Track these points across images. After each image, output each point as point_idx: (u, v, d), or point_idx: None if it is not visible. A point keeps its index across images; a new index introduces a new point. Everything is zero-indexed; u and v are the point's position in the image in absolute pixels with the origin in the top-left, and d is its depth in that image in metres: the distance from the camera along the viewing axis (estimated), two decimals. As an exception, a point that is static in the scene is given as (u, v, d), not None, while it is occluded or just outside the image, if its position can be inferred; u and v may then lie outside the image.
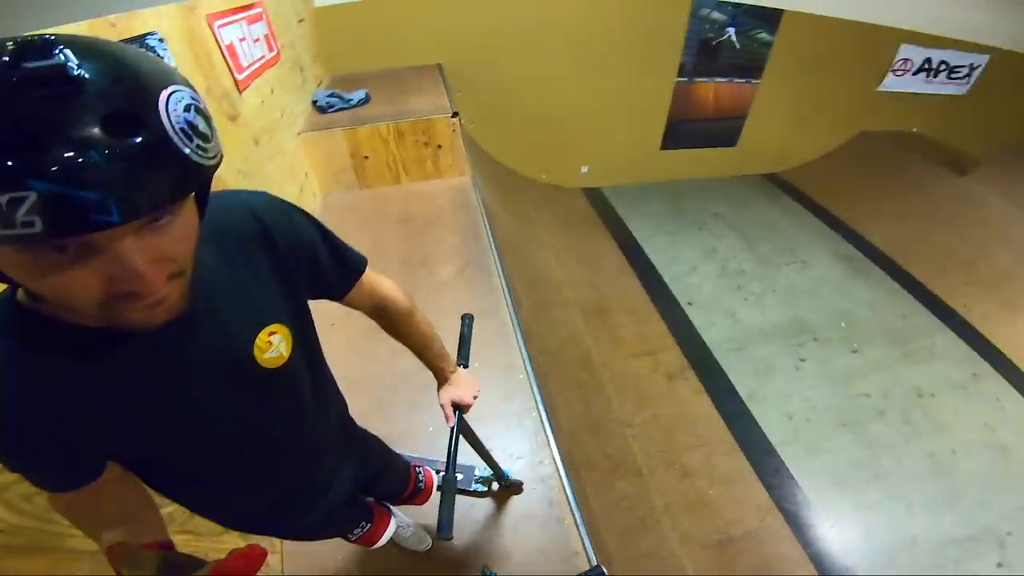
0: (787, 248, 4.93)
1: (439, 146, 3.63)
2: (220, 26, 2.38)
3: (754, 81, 5.47)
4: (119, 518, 0.76)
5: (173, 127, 0.46)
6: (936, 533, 2.76)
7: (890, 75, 5.54)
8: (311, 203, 3.42)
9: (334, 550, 1.84)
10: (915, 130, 6.07)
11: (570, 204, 5.57)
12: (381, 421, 2.24)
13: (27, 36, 0.43)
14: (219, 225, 0.72)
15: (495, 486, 2.05)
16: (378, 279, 1.05)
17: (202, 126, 0.50)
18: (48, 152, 0.40)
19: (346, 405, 1.21)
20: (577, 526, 1.98)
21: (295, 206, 0.86)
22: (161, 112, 0.46)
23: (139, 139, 0.44)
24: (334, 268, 0.93)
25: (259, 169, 2.63)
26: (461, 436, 1.31)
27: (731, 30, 5.05)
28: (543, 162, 5.65)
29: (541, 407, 2.34)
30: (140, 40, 1.74)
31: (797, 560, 2.61)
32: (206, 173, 0.51)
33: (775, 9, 4.96)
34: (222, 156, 0.55)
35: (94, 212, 0.41)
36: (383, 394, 2.35)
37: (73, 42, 0.44)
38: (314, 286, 0.90)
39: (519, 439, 2.25)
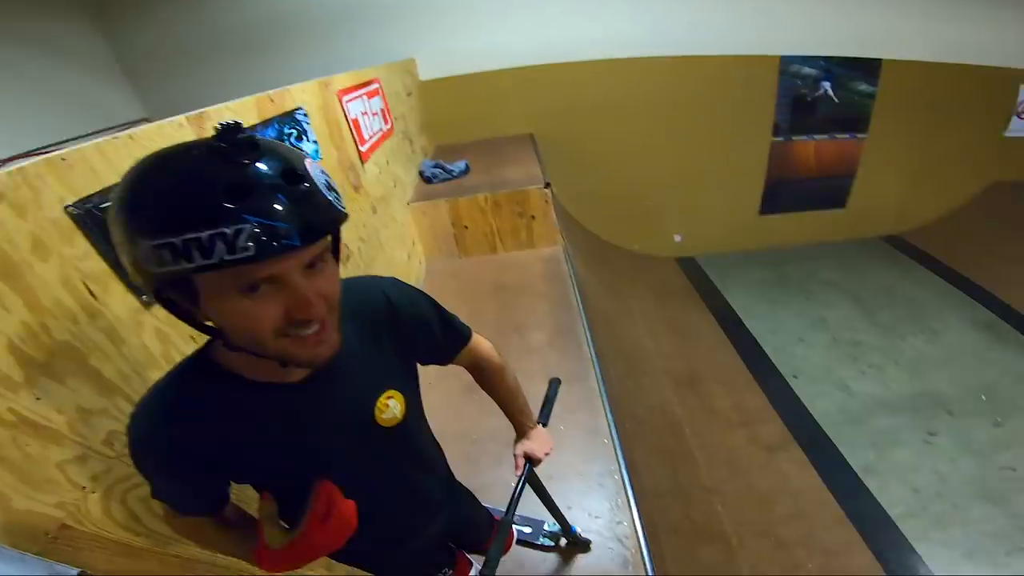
0: (912, 316, 4.41)
1: (533, 216, 3.72)
2: (348, 101, 2.59)
3: (860, 136, 5.16)
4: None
5: (319, 181, 0.63)
6: None
7: (1016, 119, 5.03)
8: (417, 270, 3.58)
9: None
10: None
11: (662, 274, 5.42)
12: (468, 473, 2.28)
13: (224, 121, 0.59)
14: (357, 304, 0.87)
15: (563, 542, 1.97)
16: (479, 340, 1.18)
17: (334, 184, 0.66)
18: (256, 195, 0.56)
19: (445, 461, 1.32)
20: None
21: (418, 290, 1.02)
22: (309, 171, 0.62)
23: (306, 186, 0.61)
24: (445, 339, 1.08)
25: (375, 236, 2.75)
26: (529, 488, 1.37)
27: (826, 84, 4.87)
28: (635, 231, 5.61)
29: (623, 469, 2.24)
30: (291, 114, 1.97)
31: None
32: (341, 220, 0.66)
33: (873, 59, 4.77)
34: (347, 213, 0.68)
35: (284, 238, 0.57)
36: (471, 449, 2.38)
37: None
38: (428, 354, 1.06)
39: (598, 499, 2.18)
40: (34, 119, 3.58)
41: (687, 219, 5.62)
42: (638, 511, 2.09)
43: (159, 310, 1.12)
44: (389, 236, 3.03)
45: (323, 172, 0.66)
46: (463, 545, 1.56)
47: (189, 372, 0.76)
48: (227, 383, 0.75)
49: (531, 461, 1.33)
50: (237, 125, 0.58)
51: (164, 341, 1.17)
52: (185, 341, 1.23)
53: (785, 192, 5.46)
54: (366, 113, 2.84)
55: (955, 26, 4.66)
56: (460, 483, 1.41)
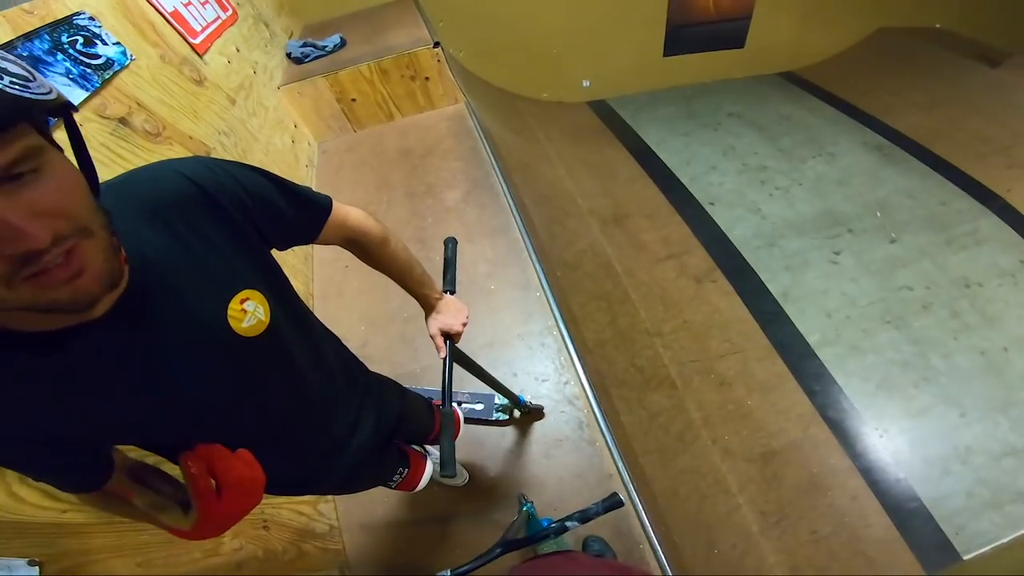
0: (810, 141, 4.51)
1: (427, 78, 3.49)
2: None
3: None
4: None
5: None
6: (991, 442, 2.51)
7: None
8: (308, 151, 3.43)
9: (383, 495, 1.82)
10: (938, 25, 5.54)
11: (575, 118, 5.20)
12: (404, 357, 2.16)
13: None
14: (149, 197, 0.66)
15: (516, 413, 1.94)
16: (346, 211, 0.97)
17: (14, 68, 0.46)
18: None
19: (352, 354, 1.17)
20: (609, 447, 1.85)
21: (236, 162, 0.76)
22: None
23: None
24: (297, 214, 0.85)
25: (241, 127, 2.56)
26: (458, 365, 1.25)
27: None
28: (542, 81, 5.33)
29: (561, 324, 2.18)
30: (67, 20, 1.66)
31: (846, 472, 2.40)
32: (29, 108, 0.46)
33: None
34: (61, 97, 0.51)
35: None
36: (404, 328, 2.24)
37: None
38: (282, 236, 0.84)
39: (542, 360, 2.12)
40: None
41: (594, 64, 5.39)
42: (583, 368, 2.06)
43: None
44: (260, 124, 2.80)
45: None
46: (408, 438, 1.43)
47: None
48: (11, 347, 0.55)
49: (450, 337, 1.20)
50: None
51: None
52: None
53: (687, 35, 5.38)
54: (190, 3, 2.52)
55: None
56: (380, 376, 1.27)
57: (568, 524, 1.16)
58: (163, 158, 0.72)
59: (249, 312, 0.72)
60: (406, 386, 1.38)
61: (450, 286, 1.28)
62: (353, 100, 3.45)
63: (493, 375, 1.56)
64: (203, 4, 2.66)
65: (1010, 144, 3.98)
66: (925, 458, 2.48)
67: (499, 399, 1.95)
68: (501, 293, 2.27)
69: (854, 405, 2.64)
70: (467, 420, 1.93)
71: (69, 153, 0.54)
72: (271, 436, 0.87)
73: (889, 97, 4.82)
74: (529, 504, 1.55)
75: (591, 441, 1.87)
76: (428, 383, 2.04)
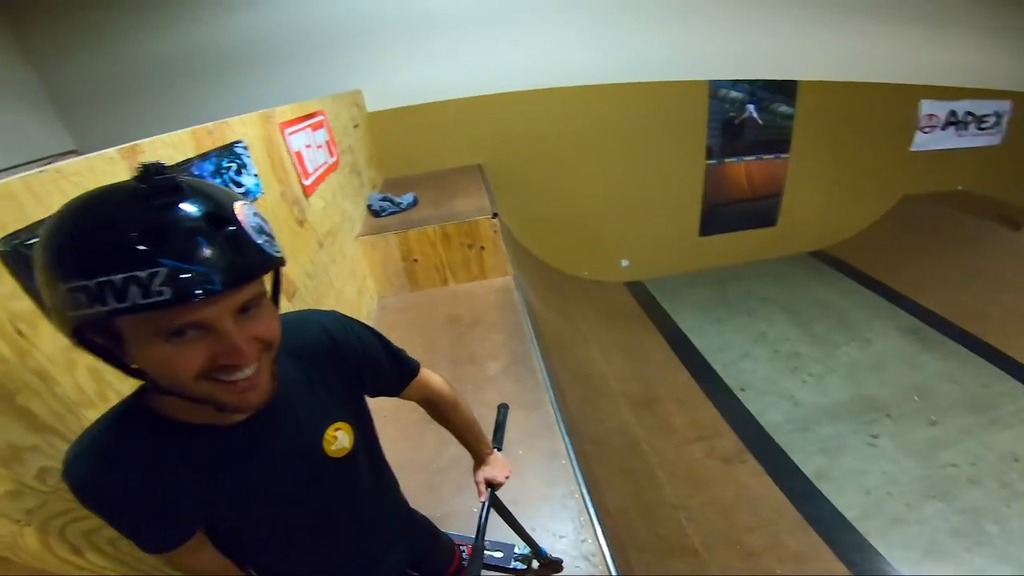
0: (843, 326, 4.68)
1: (482, 247, 3.72)
2: (291, 133, 2.52)
3: (783, 156, 5.46)
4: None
5: (248, 225, 0.62)
6: None
7: (919, 133, 5.45)
8: (369, 305, 3.54)
9: None
10: (959, 188, 5.86)
11: (612, 299, 5.54)
12: (429, 502, 2.22)
13: (146, 162, 0.58)
14: (296, 340, 0.86)
15: (535, 564, 1.94)
16: (428, 375, 1.18)
17: (267, 228, 0.66)
18: (173, 238, 0.55)
19: (399, 489, 1.32)
20: None
21: (359, 322, 1.02)
22: (238, 214, 0.61)
23: (231, 229, 0.59)
24: (392, 372, 1.08)
25: (324, 272, 2.69)
26: (494, 511, 1.40)
27: (751, 107, 5.15)
28: (584, 258, 5.71)
29: (584, 489, 2.25)
30: (230, 147, 1.93)
31: None
32: (275, 263, 0.66)
33: (791, 81, 5.08)
34: (284, 257, 0.69)
35: (204, 283, 0.55)
36: (431, 478, 2.35)
37: (171, 168, 0.61)
38: (375, 386, 1.06)
39: (562, 519, 2.17)
40: None
41: (633, 244, 5.77)
42: (602, 528, 2.10)
43: None
44: (339, 272, 2.98)
45: (258, 215, 0.65)
46: (425, 573, 1.52)
47: (122, 419, 0.74)
48: (162, 429, 0.73)
49: (492, 486, 1.36)
50: (158, 166, 0.57)
51: (98, 380, 1.15)
52: (120, 380, 1.18)
53: (722, 213, 5.71)
54: (310, 146, 2.78)
55: (862, 46, 5.05)
56: (417, 512, 1.42)
57: None
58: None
59: (339, 439, 0.93)
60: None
61: (498, 444, 1.45)
62: (415, 260, 3.67)
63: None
64: (319, 148, 2.90)
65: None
66: None
67: (519, 549, 1.95)
68: (529, 459, 2.35)
69: (899, 571, 2.51)
70: (486, 566, 1.98)
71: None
72: (328, 536, 1.02)
73: (919, 273, 5.00)
74: None
75: None
76: (447, 528, 2.10)
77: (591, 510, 2.16)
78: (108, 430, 0.74)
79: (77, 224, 0.57)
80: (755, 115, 5.21)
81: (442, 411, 1.25)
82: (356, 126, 4.21)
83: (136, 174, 0.57)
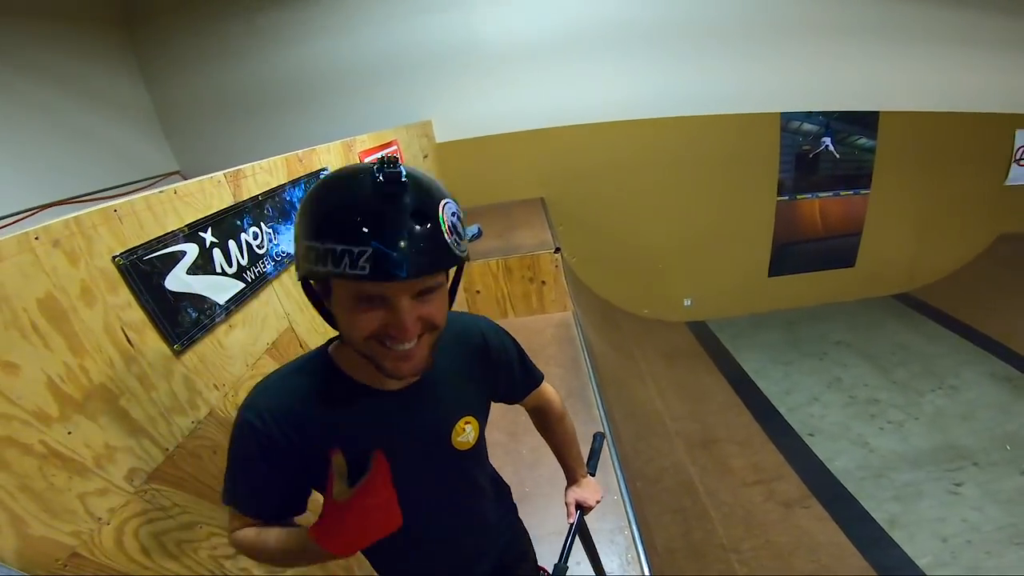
0: (928, 372, 4.44)
1: (543, 282, 3.85)
2: (368, 160, 2.77)
3: (863, 192, 5.26)
4: None
5: (445, 225, 0.74)
6: None
7: (1015, 166, 5.12)
8: None
9: None
10: None
11: (672, 338, 5.48)
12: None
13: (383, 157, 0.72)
14: (458, 335, 1.01)
15: None
16: (546, 385, 1.29)
17: (460, 228, 0.78)
18: (385, 227, 0.69)
19: (506, 496, 1.39)
20: None
21: (506, 332, 1.14)
22: (440, 213, 0.74)
23: (428, 227, 0.72)
24: (521, 380, 1.20)
25: None
26: (577, 535, 1.44)
27: (827, 140, 5.00)
28: (644, 296, 5.70)
29: (634, 525, 2.27)
30: (317, 175, 2.12)
31: None
32: (457, 261, 0.77)
33: (871, 112, 4.93)
34: (467, 257, 0.81)
35: (396, 267, 0.68)
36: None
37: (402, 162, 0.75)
38: (504, 390, 1.17)
39: (610, 554, 2.17)
40: (70, 165, 3.75)
41: (696, 282, 5.70)
42: (649, 566, 2.09)
43: (188, 359, 1.28)
44: None
45: (455, 215, 0.77)
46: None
47: (307, 364, 0.92)
48: (336, 379, 0.89)
49: (582, 509, 1.41)
50: (394, 160, 0.71)
51: (190, 389, 1.27)
52: (209, 390, 1.33)
53: (793, 253, 5.55)
54: None
55: (948, 74, 4.83)
56: (520, 519, 1.47)
57: None
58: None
59: (466, 432, 1.02)
60: None
61: (592, 469, 1.49)
62: (478, 292, 3.88)
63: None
64: None
65: None
66: None
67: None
68: None
69: None
70: None
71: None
72: (438, 523, 1.10)
73: (1014, 317, 4.70)
74: None
75: None
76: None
77: (639, 547, 2.18)
78: (291, 371, 0.91)
79: (325, 195, 0.74)
80: (831, 148, 5.07)
81: (549, 421, 1.33)
82: (426, 156, 4.45)
83: (377, 163, 0.71)
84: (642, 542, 2.20)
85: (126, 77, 4.48)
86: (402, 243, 0.69)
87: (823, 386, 4.50)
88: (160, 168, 4.55)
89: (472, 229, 4.14)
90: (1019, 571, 2.59)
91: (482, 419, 1.08)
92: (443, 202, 0.75)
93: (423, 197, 0.73)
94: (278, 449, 0.86)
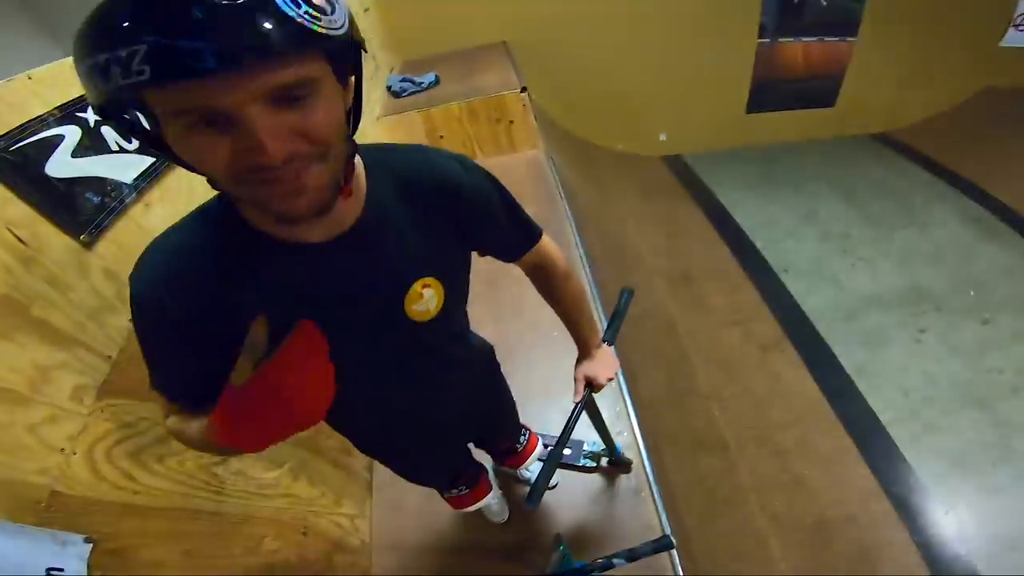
0: (902, 209, 4.45)
1: (511, 121, 3.71)
2: None
3: (849, 39, 5.08)
4: None
5: None
6: None
7: (1012, 30, 4.83)
8: None
9: (417, 518, 1.93)
10: None
11: (649, 172, 5.35)
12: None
13: None
14: (408, 173, 0.78)
15: (603, 462, 2.00)
16: (547, 240, 1.06)
17: (322, 2, 0.53)
18: (158, 12, 0.47)
19: (491, 349, 1.29)
20: (654, 499, 1.92)
21: (486, 172, 0.89)
22: None
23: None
24: (513, 234, 0.97)
25: None
26: (585, 411, 1.32)
27: None
28: (619, 131, 5.52)
29: (621, 376, 2.25)
30: None
31: (900, 545, 2.36)
32: (323, 42, 0.53)
33: None
34: (350, 34, 0.58)
35: (190, 59, 0.46)
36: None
37: None
38: (490, 246, 0.96)
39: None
40: None
41: (672, 118, 5.54)
42: (638, 421, 2.13)
43: (103, 249, 1.14)
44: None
45: None
46: (484, 444, 1.59)
47: (202, 215, 0.71)
48: (241, 231, 0.68)
49: (592, 386, 1.25)
50: None
51: (116, 281, 1.14)
52: None
53: (772, 91, 5.44)
54: None
55: None
56: (502, 381, 1.39)
57: (615, 561, 1.24)
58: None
59: (424, 299, 0.83)
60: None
61: (610, 337, 1.32)
62: (441, 137, 3.73)
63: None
64: None
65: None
66: (992, 536, 2.40)
67: (588, 446, 2.02)
68: (563, 341, 2.39)
69: (921, 482, 2.60)
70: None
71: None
72: (384, 398, 0.98)
73: (994, 163, 4.66)
74: (564, 546, 1.59)
75: (636, 491, 1.94)
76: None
77: (627, 400, 2.19)
78: (182, 224, 0.71)
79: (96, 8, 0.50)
80: None
81: (553, 282, 1.11)
82: (367, 10, 4.11)
83: None
84: (630, 393, 2.21)
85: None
86: (194, 26, 0.47)
87: (798, 220, 4.50)
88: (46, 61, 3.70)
89: (428, 77, 3.96)
90: (971, 433, 2.79)
91: (452, 279, 0.88)
92: None
93: None
94: (179, 324, 0.69)
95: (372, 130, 3.39)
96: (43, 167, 1.07)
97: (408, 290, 0.80)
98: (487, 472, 1.66)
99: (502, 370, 1.39)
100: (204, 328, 0.69)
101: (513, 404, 1.57)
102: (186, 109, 0.51)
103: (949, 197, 4.51)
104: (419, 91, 3.86)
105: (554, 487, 1.97)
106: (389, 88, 3.93)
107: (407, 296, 0.81)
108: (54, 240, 1.02)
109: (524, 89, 3.59)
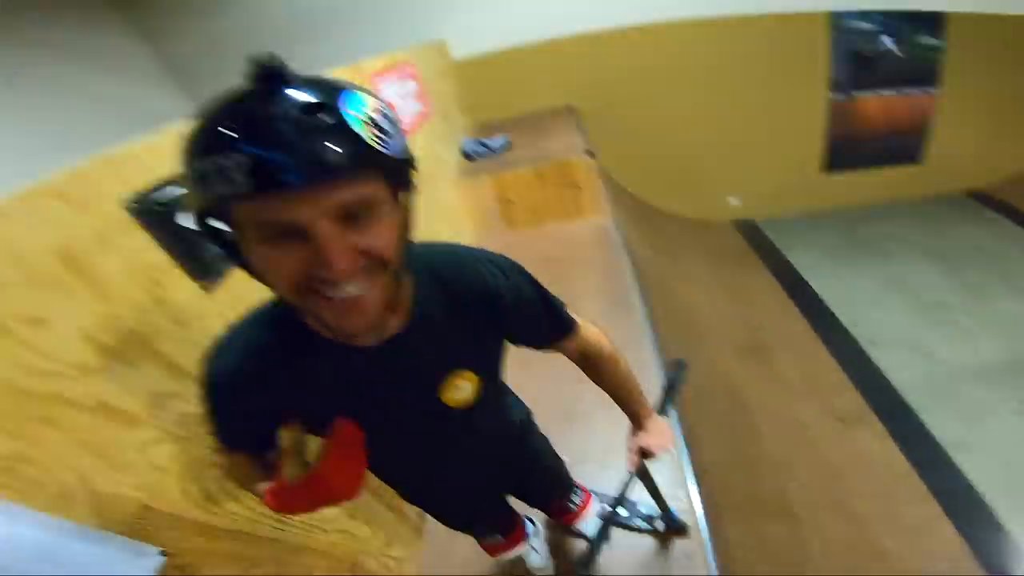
0: (1003, 275, 4.12)
1: (578, 187, 3.76)
2: (382, 83, 2.70)
3: (931, 90, 4.87)
4: None
5: (352, 113, 0.57)
6: None
7: None
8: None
9: (462, 567, 1.93)
10: None
11: (719, 238, 5.26)
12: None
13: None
14: (451, 275, 0.85)
15: (659, 525, 1.95)
16: (585, 327, 1.10)
17: (382, 122, 0.60)
18: (259, 123, 0.54)
19: (528, 414, 1.37)
20: (707, 562, 1.84)
21: (522, 271, 0.95)
22: (341, 102, 0.57)
23: (322, 117, 0.55)
24: (547, 328, 1.03)
25: (423, 217, 2.90)
26: (640, 481, 1.37)
27: (887, 39, 4.62)
28: (688, 197, 5.48)
29: (680, 439, 2.22)
30: None
31: None
32: (383, 161, 0.60)
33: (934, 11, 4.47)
34: (411, 156, 0.67)
35: (283, 172, 0.53)
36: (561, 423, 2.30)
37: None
38: (525, 338, 1.02)
39: (655, 473, 2.19)
40: (81, 127, 3.77)
41: (743, 181, 5.45)
42: (697, 486, 2.07)
43: (220, 295, 1.27)
44: (436, 216, 3.16)
45: (377, 109, 0.61)
46: (531, 493, 1.60)
47: (264, 316, 0.80)
48: (298, 333, 0.76)
49: (646, 455, 1.27)
50: (270, 55, 0.56)
51: (227, 322, 1.25)
52: None
53: (851, 149, 5.22)
54: (402, 96, 2.96)
55: None
56: (533, 430, 1.42)
57: None
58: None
59: (460, 389, 0.92)
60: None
61: (664, 409, 1.34)
62: (511, 201, 3.84)
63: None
64: (410, 97, 3.13)
65: None
66: None
67: (643, 508, 1.97)
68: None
69: (1020, 547, 2.34)
70: (612, 523, 2.00)
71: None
72: (425, 469, 1.11)
73: None
74: None
75: (690, 555, 1.86)
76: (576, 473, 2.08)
77: (687, 466, 2.14)
78: (248, 323, 0.80)
79: (199, 120, 0.58)
80: (893, 47, 4.65)
81: (599, 367, 1.15)
82: (444, 75, 4.32)
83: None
84: (689, 460, 2.16)
85: (119, 27, 4.42)
86: (288, 140, 0.53)
87: (884, 289, 4.24)
88: (176, 118, 4.38)
89: (499, 140, 4.10)
90: None
91: (488, 371, 0.98)
92: (345, 91, 0.59)
93: (316, 87, 0.57)
94: (247, 409, 0.81)
95: (445, 192, 3.53)
96: (175, 217, 1.18)
97: (444, 382, 0.90)
98: (523, 521, 1.69)
99: (557, 430, 1.50)
100: (267, 410, 0.80)
101: (558, 463, 1.60)
102: (268, 221, 0.57)
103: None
104: (491, 154, 4.02)
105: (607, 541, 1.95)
106: (463, 151, 4.11)
107: (442, 386, 0.90)
108: (180, 284, 1.17)
109: (590, 153, 3.66)
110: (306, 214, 0.56)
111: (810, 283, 4.41)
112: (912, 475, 2.70)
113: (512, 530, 1.60)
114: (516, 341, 1.01)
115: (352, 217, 0.59)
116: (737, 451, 2.80)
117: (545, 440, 1.50)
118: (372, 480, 1.79)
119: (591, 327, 1.12)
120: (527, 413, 1.37)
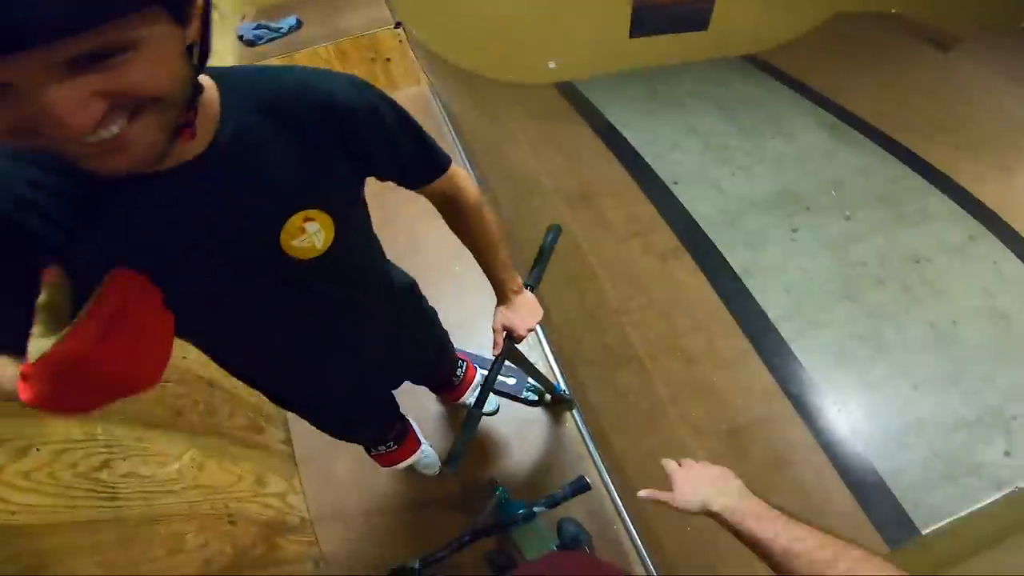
0: (770, 120, 4.51)
1: (388, 59, 3.29)
2: None
3: None
4: None
5: None
6: (943, 415, 2.55)
7: None
8: None
9: (354, 486, 1.77)
10: (894, 11, 5.63)
11: (541, 99, 5.08)
12: (449, 303, 1.91)
13: None
14: (276, 96, 0.61)
15: (547, 398, 1.85)
16: (456, 169, 0.88)
17: None
18: None
19: (411, 283, 1.13)
20: (579, 427, 1.80)
21: (382, 93, 0.71)
22: None
23: None
24: (417, 161, 0.81)
25: None
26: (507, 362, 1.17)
27: None
28: (508, 63, 5.13)
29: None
30: None
31: (808, 446, 2.40)
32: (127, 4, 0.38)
33: None
34: None
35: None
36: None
37: None
38: (390, 173, 0.79)
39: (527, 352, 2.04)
40: None
41: (560, 46, 5.27)
42: (551, 347, 2.00)
43: None
44: None
45: None
46: (416, 376, 1.38)
47: None
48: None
49: (512, 337, 1.08)
50: None
51: None
52: None
53: (652, 16, 5.32)
54: None
55: None
56: (429, 308, 1.22)
57: (536, 509, 1.15)
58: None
59: (308, 233, 0.67)
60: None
61: (534, 281, 1.17)
62: None
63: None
64: None
65: (956, 126, 4.10)
66: (882, 431, 2.51)
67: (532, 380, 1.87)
68: (467, 276, 2.11)
69: (813, 379, 2.65)
70: (496, 392, 1.82)
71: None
72: (277, 338, 0.81)
73: (844, 79, 4.88)
74: (501, 489, 1.50)
75: (561, 422, 1.82)
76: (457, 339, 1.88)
77: (538, 327, 2.02)
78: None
79: None
80: None
81: (464, 214, 0.93)
82: None
83: None
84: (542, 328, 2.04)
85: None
86: None
87: (682, 133, 4.44)
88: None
89: (288, 20, 3.32)
90: (847, 326, 2.88)
91: (345, 212, 0.72)
92: None
93: None
94: None
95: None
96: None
97: (284, 224, 0.64)
98: (414, 427, 1.52)
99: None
100: (14, 245, 0.51)
101: (446, 337, 1.38)
102: None
103: (808, 109, 4.64)
104: (278, 37, 3.24)
105: (494, 413, 1.82)
106: (241, 37, 3.25)
107: (283, 231, 0.64)
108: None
109: (399, 24, 3.18)
110: (11, 74, 0.36)
111: (624, 134, 4.44)
112: (722, 308, 2.90)
113: (404, 437, 1.40)
114: (381, 174, 0.78)
115: (78, 64, 0.38)
116: (582, 303, 2.77)
117: (434, 313, 1.26)
118: (207, 417, 1.43)
119: (461, 169, 0.90)
120: (411, 282, 1.13)
